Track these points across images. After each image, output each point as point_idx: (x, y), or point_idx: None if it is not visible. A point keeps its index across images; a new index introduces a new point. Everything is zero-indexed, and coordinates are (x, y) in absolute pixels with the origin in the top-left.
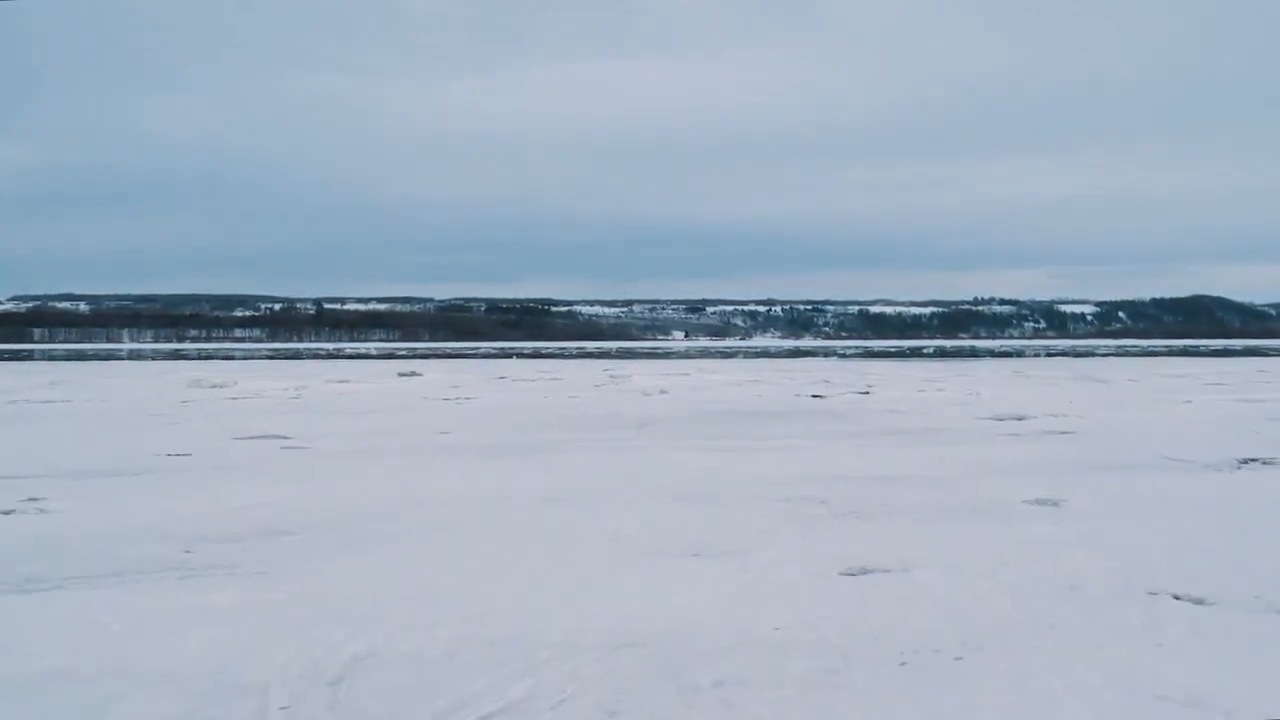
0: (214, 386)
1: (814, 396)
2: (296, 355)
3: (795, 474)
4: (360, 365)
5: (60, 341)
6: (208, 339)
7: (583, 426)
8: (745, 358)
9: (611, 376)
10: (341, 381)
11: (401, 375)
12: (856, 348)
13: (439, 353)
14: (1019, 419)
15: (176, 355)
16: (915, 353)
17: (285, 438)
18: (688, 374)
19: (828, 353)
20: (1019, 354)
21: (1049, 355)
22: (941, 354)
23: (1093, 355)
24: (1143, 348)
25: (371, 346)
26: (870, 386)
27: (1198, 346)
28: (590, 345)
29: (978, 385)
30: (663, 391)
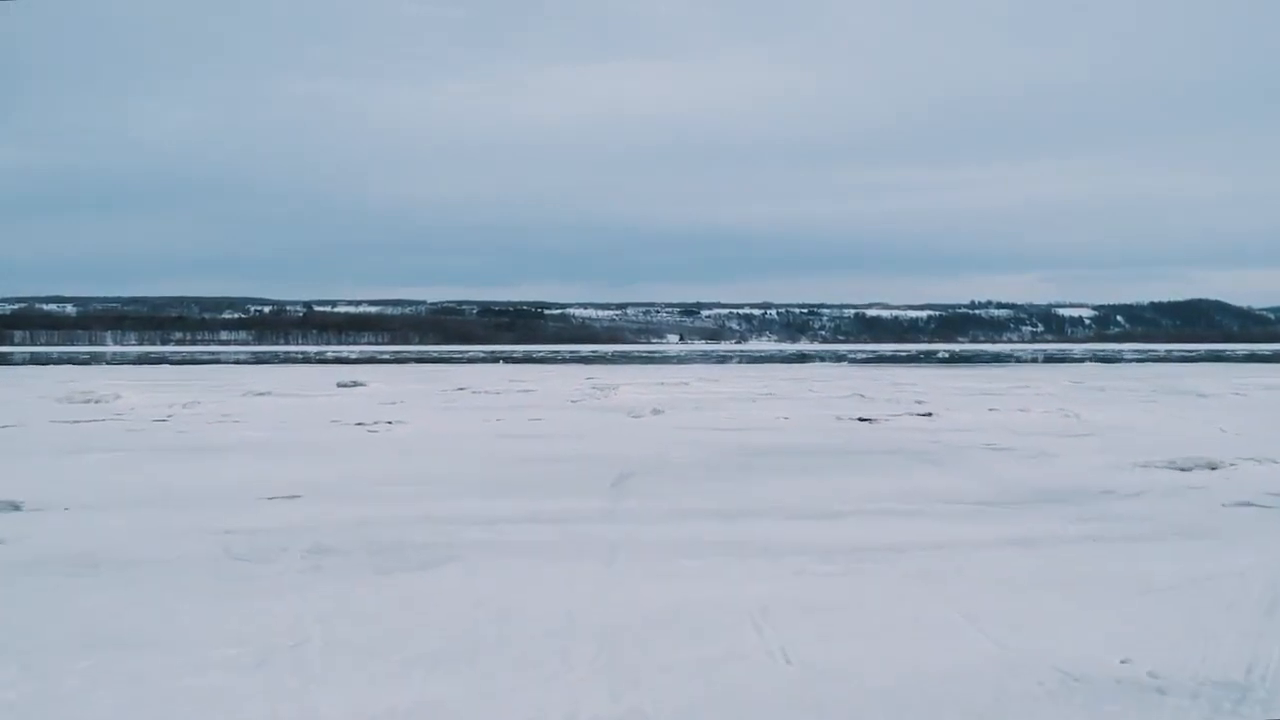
0: (86, 401)
1: (861, 420)
2: (264, 360)
3: (968, 659)
4: (314, 372)
5: (42, 344)
6: (192, 342)
7: (522, 485)
8: (748, 363)
9: (595, 388)
10: (260, 395)
11: (341, 385)
12: (866, 352)
13: (425, 357)
14: (1211, 468)
15: (147, 359)
16: (930, 357)
17: (13, 507)
18: (686, 383)
19: (834, 357)
20: (1042, 359)
21: (1077, 361)
22: (959, 359)
23: (1121, 360)
24: (1165, 352)
25: (353, 350)
26: (922, 403)
27: (1222, 351)
28: (584, 349)
29: (1058, 402)
30: (655, 411)
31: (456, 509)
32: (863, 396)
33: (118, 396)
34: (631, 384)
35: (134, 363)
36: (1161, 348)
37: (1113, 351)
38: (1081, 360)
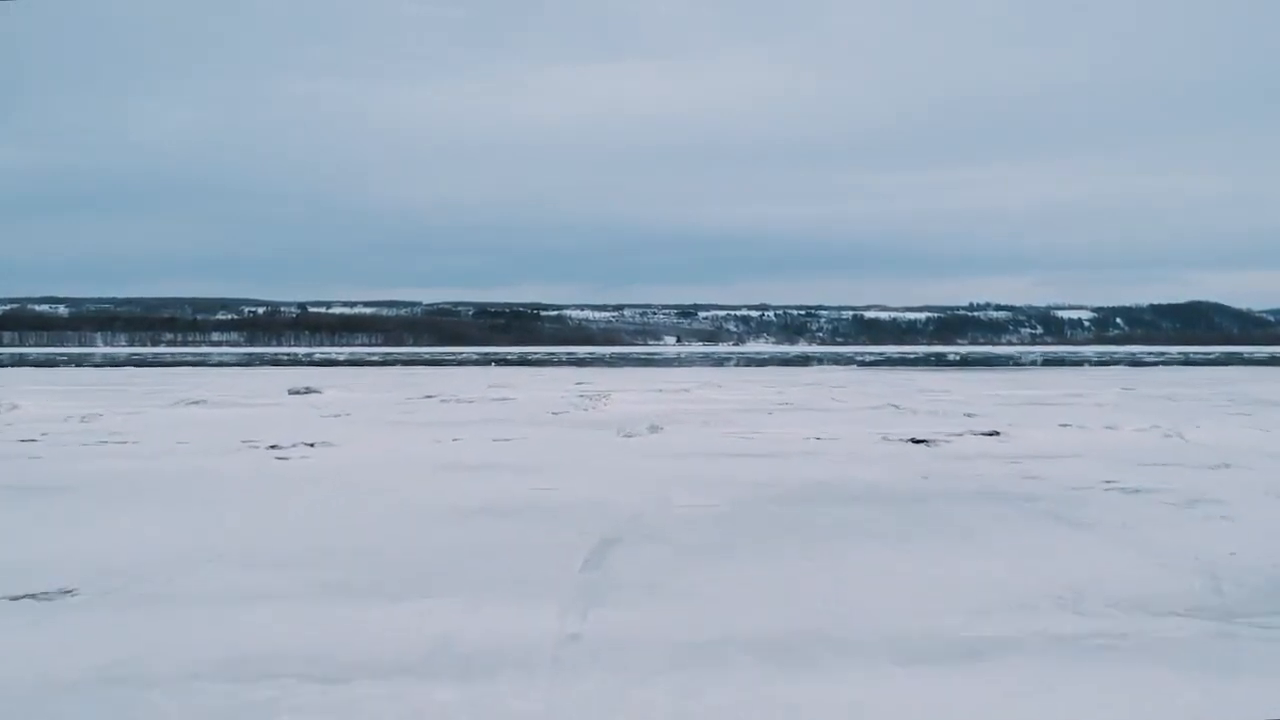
0: None
1: (915, 441)
2: (244, 362)
3: None
4: (277, 376)
5: (30, 345)
6: (183, 343)
7: (441, 566)
8: (750, 365)
9: (583, 396)
10: (193, 403)
11: (292, 393)
12: (873, 354)
13: (414, 359)
14: None
15: (120, 361)
16: (941, 360)
17: None
18: (686, 390)
19: (841, 360)
20: (1050, 361)
21: (1099, 364)
22: (973, 362)
23: (1144, 364)
24: (1182, 355)
25: (342, 351)
26: (973, 416)
27: (1240, 354)
28: (581, 350)
29: (1139, 415)
30: (653, 428)
31: (304, 630)
32: (897, 408)
33: (14, 407)
34: (626, 390)
35: (100, 365)
36: (1173, 349)
37: (1127, 354)
38: (1103, 363)
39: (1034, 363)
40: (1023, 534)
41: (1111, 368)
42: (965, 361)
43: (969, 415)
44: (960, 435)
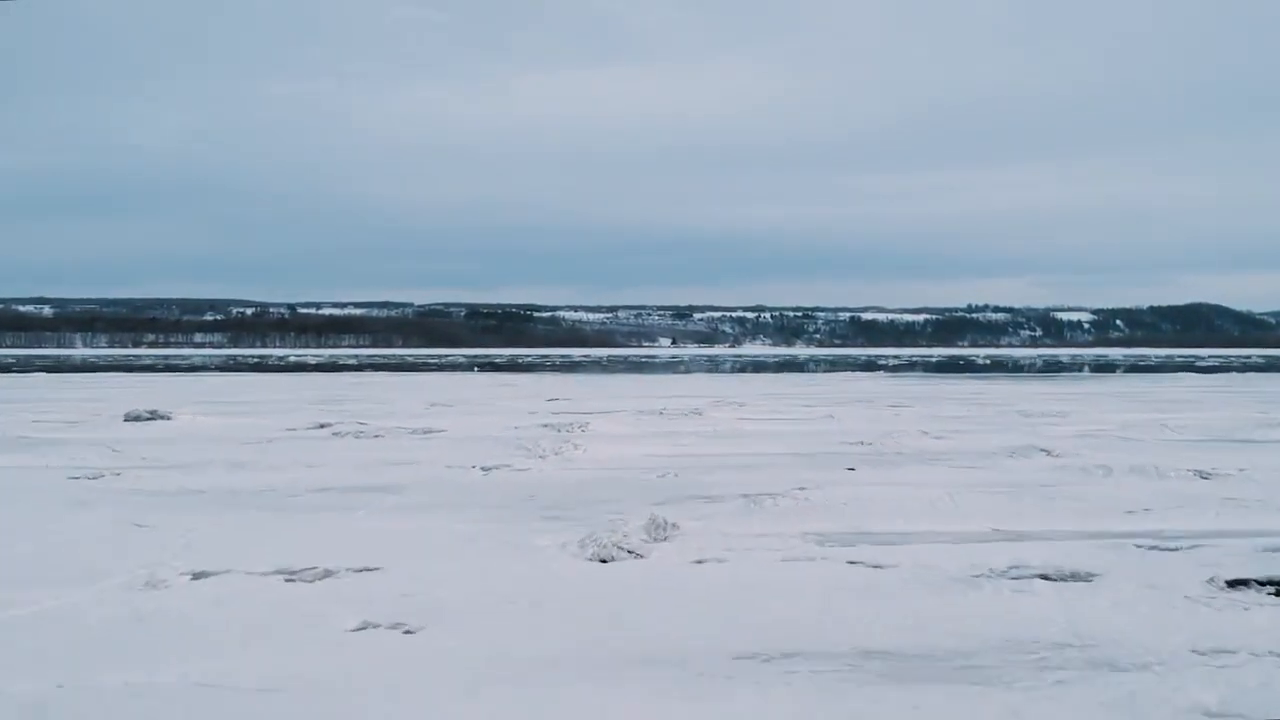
0: None
1: (1275, 592)
2: (200, 366)
3: None
4: (155, 390)
5: (7, 346)
6: (165, 344)
7: None
8: (761, 373)
9: (548, 425)
10: None
11: (129, 419)
12: (890, 357)
13: (388, 363)
14: None
15: (85, 364)
16: (970, 365)
17: None
18: (698, 410)
19: (857, 364)
20: (1095, 366)
21: (1146, 370)
22: (1000, 367)
23: (1199, 369)
24: (1231, 359)
25: (319, 354)
26: (1213, 477)
27: (1274, 357)
28: (576, 353)
29: None
30: (657, 529)
31: None
32: (1050, 454)
33: None
34: (613, 412)
35: (14, 371)
36: (1204, 353)
37: (1161, 358)
38: (1152, 369)
39: (1061, 367)
40: None
41: (1177, 374)
42: (997, 366)
43: (1204, 477)
44: None
